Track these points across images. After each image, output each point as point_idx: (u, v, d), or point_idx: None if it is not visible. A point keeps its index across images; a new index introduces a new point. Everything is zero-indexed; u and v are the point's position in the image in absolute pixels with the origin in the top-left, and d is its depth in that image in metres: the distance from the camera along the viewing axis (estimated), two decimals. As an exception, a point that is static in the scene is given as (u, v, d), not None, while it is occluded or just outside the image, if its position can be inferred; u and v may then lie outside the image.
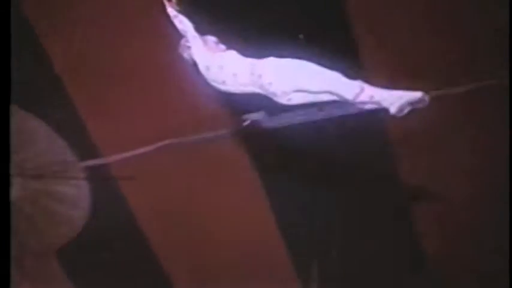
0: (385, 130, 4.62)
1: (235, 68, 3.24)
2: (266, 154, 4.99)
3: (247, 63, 3.22)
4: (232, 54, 3.31)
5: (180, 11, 3.46)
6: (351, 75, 3.01)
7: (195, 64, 3.39)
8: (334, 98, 3.02)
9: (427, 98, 2.88)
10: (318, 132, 4.66)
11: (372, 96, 2.92)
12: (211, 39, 3.43)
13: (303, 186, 5.02)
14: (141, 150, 5.07)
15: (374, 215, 4.97)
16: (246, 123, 4.81)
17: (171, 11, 3.48)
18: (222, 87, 3.31)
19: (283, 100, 3.13)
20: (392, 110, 2.89)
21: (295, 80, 3.07)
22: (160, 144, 5.03)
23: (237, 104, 4.65)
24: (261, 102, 3.46)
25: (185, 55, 3.48)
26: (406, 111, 2.90)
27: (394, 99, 2.88)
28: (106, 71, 4.83)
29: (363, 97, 2.93)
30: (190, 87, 4.68)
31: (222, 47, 3.40)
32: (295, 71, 3.08)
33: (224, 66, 3.26)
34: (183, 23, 3.44)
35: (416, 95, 2.87)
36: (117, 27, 4.64)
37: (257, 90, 3.20)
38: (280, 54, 3.17)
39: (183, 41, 3.48)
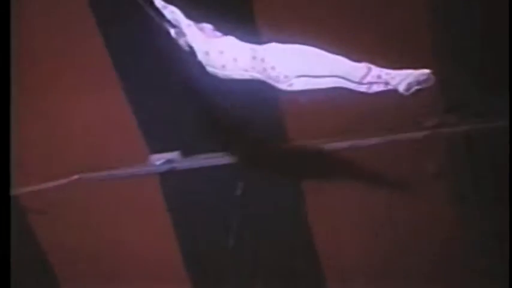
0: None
1: (235, 53, 3.24)
2: (177, 193, 5.11)
3: (248, 48, 3.19)
4: (231, 39, 3.25)
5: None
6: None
7: (192, 50, 3.30)
8: (340, 82, 3.02)
9: (433, 76, 2.85)
10: (230, 174, 4.87)
11: (379, 76, 3.00)
12: (208, 26, 3.34)
13: (212, 223, 5.19)
14: (53, 183, 5.05)
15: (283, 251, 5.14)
16: (159, 162, 4.92)
17: (158, 2, 3.33)
18: (221, 73, 3.27)
19: (285, 86, 3.15)
20: (401, 88, 2.97)
21: (298, 65, 3.15)
22: (73, 178, 5.04)
23: (153, 143, 4.80)
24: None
25: (181, 41, 3.32)
26: (413, 89, 2.97)
27: (402, 78, 2.97)
28: (19, 99, 4.82)
29: (370, 78, 3.01)
30: (106, 122, 4.78)
31: (219, 34, 3.33)
32: (299, 56, 3.16)
33: (224, 51, 3.26)
34: (174, 12, 3.25)
35: (424, 72, 2.94)
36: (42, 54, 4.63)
37: (258, 75, 3.23)
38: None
39: (176, 29, 3.33)
